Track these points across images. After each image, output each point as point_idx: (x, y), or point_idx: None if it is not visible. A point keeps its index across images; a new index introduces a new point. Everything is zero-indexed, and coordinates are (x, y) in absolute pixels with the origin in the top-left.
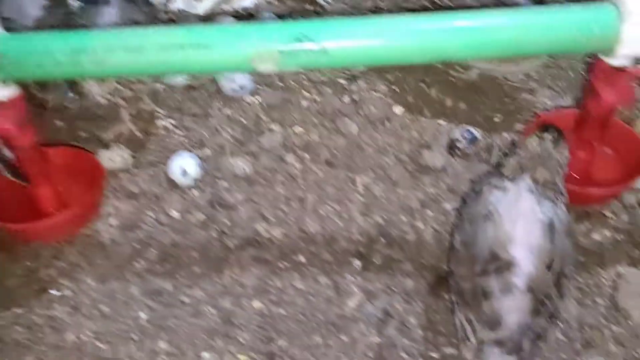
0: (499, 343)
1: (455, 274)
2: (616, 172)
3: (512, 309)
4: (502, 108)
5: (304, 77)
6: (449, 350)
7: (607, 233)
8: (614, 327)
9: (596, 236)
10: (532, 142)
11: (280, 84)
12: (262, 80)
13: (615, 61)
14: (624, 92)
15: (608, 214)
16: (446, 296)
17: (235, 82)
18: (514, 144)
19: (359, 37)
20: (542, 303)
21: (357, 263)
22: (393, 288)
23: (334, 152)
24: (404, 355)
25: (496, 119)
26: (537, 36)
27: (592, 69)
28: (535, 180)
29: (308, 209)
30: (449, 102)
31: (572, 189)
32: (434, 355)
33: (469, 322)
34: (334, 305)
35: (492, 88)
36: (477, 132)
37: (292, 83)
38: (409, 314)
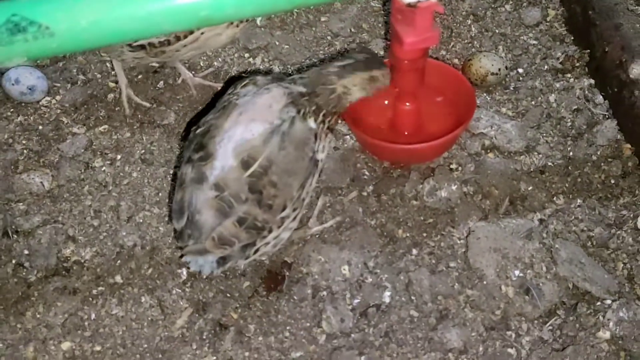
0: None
1: (182, 158)
2: (448, 120)
3: (200, 202)
4: None
5: (108, 64)
6: (297, 354)
7: (454, 187)
8: (469, 291)
9: (443, 193)
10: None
11: (82, 77)
12: (59, 77)
13: None
14: (424, 31)
15: (454, 166)
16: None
17: (22, 84)
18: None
19: (91, 9)
20: (229, 204)
21: (183, 272)
22: (228, 293)
23: (150, 147)
24: None
25: None
26: None
27: (391, 11)
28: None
29: (122, 219)
30: (276, 70)
31: (400, 148)
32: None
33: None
34: (159, 327)
35: (322, 46)
36: None
37: (96, 74)
38: (248, 320)
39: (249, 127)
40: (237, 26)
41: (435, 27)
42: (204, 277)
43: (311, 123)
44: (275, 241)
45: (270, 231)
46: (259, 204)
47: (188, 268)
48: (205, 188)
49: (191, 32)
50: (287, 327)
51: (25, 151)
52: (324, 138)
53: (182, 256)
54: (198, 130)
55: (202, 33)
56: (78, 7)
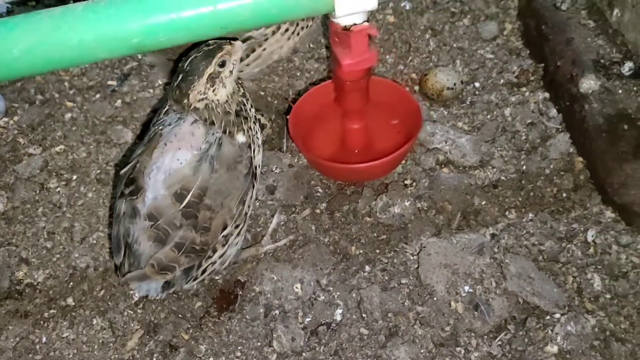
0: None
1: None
2: (398, 136)
3: (137, 233)
4: (293, 83)
5: (66, 84)
6: None
7: (408, 203)
8: (419, 308)
9: (397, 209)
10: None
11: (40, 97)
12: (17, 96)
13: (341, 20)
14: (361, 53)
15: (408, 181)
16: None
17: None
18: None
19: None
20: (164, 232)
21: (135, 294)
22: (180, 314)
23: (106, 167)
24: None
25: (280, 97)
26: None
27: (329, 33)
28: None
29: (76, 241)
30: None
31: (348, 168)
32: None
33: None
34: (110, 349)
35: (280, 62)
36: (262, 118)
37: (54, 94)
38: (199, 340)
39: (175, 155)
40: (298, 34)
41: (372, 49)
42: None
43: (240, 137)
44: (222, 259)
45: (214, 251)
46: (194, 228)
47: None
48: (139, 220)
49: (253, 50)
50: (239, 347)
51: None
52: (256, 138)
53: (125, 283)
54: (126, 168)
55: (263, 49)
56: (11, 37)
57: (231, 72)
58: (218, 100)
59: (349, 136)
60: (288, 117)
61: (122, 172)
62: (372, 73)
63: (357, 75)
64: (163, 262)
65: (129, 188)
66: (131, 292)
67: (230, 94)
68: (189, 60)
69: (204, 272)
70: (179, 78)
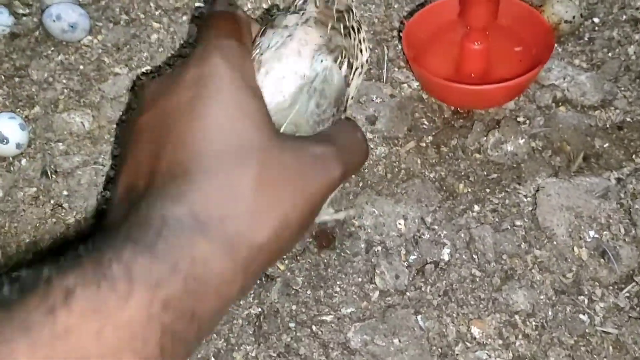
0: None
1: None
2: (519, 64)
3: None
4: (390, 13)
5: (152, 4)
6: (347, 310)
7: (522, 141)
8: (537, 251)
9: (509, 147)
10: None
11: (124, 17)
12: (101, 15)
13: None
14: None
15: (521, 119)
16: None
17: (64, 20)
18: None
19: None
20: None
21: None
22: None
23: None
24: None
25: (377, 26)
26: None
27: None
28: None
29: None
30: None
31: (468, 89)
32: None
33: None
34: None
35: None
36: None
37: (139, 14)
38: (295, 272)
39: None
40: None
41: None
42: None
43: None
44: None
45: None
46: None
47: None
48: None
49: None
50: (338, 282)
51: (65, 90)
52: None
53: None
54: None
55: None
56: None
57: None
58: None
59: (468, 58)
60: (402, 35)
61: None
62: None
63: None
64: None
65: None
66: None
67: None
68: None
69: None
70: None
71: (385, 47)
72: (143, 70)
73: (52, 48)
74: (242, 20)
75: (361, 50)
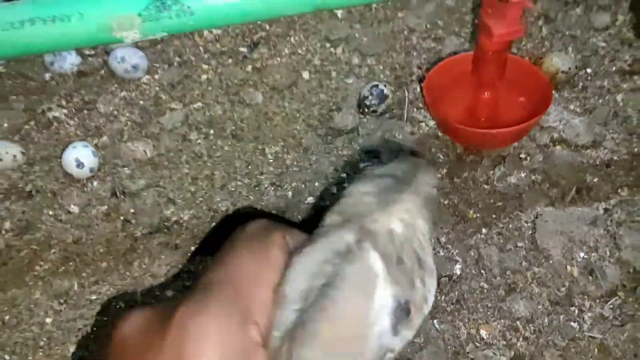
0: None
1: None
2: (522, 111)
3: None
4: (410, 60)
5: (201, 49)
6: None
7: (523, 175)
8: (536, 269)
9: (513, 179)
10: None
11: (178, 59)
12: (157, 57)
13: None
14: (513, 24)
15: (523, 155)
16: None
17: (127, 62)
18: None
19: None
20: None
21: None
22: None
23: (240, 124)
24: None
25: (399, 71)
26: None
27: (482, 5)
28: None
29: (216, 187)
30: (355, 60)
31: (478, 132)
32: None
33: None
34: None
35: (399, 40)
36: (385, 88)
37: (191, 57)
38: None
39: None
40: None
41: (522, 22)
42: None
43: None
44: None
45: None
46: None
47: None
48: None
49: None
50: None
51: (129, 122)
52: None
53: None
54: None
55: None
56: None
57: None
58: None
59: (479, 106)
60: (422, 84)
61: None
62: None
63: (502, 46)
64: None
65: None
66: None
67: None
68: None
69: None
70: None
71: (405, 91)
72: (195, 106)
73: (116, 85)
74: None
75: None
